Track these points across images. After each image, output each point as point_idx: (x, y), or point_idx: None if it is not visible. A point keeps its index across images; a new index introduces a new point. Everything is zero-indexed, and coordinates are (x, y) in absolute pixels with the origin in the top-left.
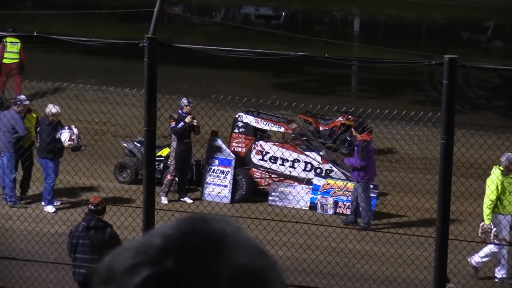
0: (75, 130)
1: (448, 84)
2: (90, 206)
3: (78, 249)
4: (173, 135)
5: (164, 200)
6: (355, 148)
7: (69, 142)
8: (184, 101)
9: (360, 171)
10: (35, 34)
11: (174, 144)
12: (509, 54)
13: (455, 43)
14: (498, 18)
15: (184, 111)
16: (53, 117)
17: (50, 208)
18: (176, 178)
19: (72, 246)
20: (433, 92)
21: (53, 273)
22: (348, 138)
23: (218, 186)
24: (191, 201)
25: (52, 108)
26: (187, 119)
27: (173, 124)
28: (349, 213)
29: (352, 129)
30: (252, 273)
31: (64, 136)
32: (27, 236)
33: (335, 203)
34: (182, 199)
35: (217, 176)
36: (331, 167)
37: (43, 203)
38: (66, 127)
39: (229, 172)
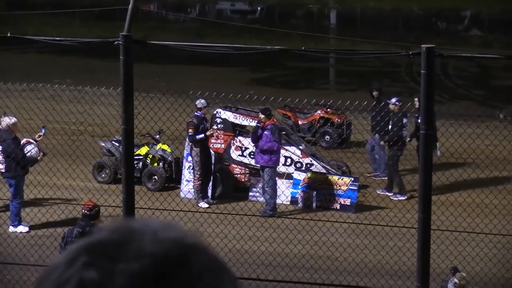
0: (31, 140)
1: (426, 73)
2: (83, 210)
3: None
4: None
5: (204, 204)
6: (266, 133)
7: (41, 153)
8: (203, 101)
9: (272, 155)
10: (8, 35)
11: (196, 150)
12: (487, 43)
13: (432, 33)
14: (475, 7)
15: (202, 112)
16: (14, 127)
17: (22, 228)
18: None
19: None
20: (411, 83)
21: (34, 275)
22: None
23: None
24: (207, 205)
25: (10, 119)
26: (208, 133)
27: (191, 132)
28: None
29: (260, 114)
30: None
31: (36, 150)
32: (7, 239)
33: (317, 197)
34: (198, 204)
35: None
36: (311, 161)
37: (11, 226)
38: (27, 144)
39: None
